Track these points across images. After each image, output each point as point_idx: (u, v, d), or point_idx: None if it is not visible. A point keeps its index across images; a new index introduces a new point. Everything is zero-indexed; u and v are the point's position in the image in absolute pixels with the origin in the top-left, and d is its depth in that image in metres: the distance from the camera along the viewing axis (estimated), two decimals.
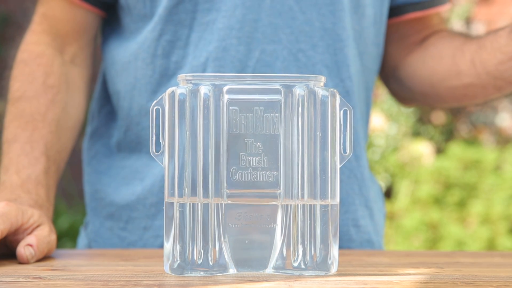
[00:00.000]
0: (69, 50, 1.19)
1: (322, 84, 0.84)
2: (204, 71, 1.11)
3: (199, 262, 0.83)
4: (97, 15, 1.20)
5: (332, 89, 0.84)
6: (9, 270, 0.88)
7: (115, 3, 1.19)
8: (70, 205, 3.89)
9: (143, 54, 1.15)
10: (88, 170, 1.23)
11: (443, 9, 1.27)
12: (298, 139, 0.83)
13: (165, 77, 1.14)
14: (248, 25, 1.12)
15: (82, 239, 1.24)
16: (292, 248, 0.83)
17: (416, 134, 4.76)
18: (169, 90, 0.83)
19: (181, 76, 0.84)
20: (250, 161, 0.83)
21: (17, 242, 0.94)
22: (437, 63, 1.22)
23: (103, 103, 1.24)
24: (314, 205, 0.83)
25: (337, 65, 1.15)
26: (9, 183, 1.05)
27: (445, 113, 4.93)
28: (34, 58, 1.17)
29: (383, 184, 4.26)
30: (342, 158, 0.85)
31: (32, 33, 1.20)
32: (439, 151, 4.60)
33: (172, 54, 1.14)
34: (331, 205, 0.84)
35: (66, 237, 3.53)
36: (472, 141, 4.59)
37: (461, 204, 3.97)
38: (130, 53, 1.17)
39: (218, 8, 1.12)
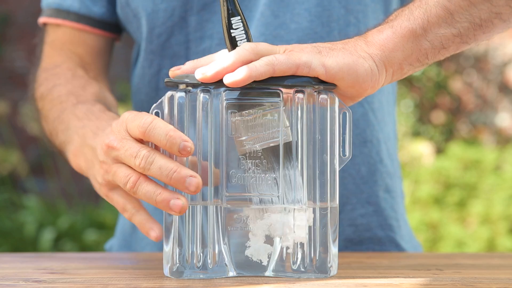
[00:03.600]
0: (91, 68, 1.18)
1: (321, 87, 0.84)
2: None
3: (199, 265, 0.83)
4: (102, 36, 1.19)
5: (331, 93, 0.84)
6: (9, 274, 0.88)
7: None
8: (70, 205, 3.89)
9: (145, 89, 1.16)
10: None
11: None
12: (297, 142, 0.83)
13: None
14: (217, 38, 1.12)
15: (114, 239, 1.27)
16: (291, 251, 0.83)
17: (416, 134, 4.75)
18: (169, 93, 0.83)
19: (180, 77, 0.84)
20: (249, 164, 0.83)
21: None
22: None
23: None
24: (313, 208, 0.83)
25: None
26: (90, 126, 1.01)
27: (445, 113, 4.93)
28: (58, 65, 1.15)
29: None
30: (341, 161, 0.85)
31: (46, 59, 1.18)
32: (439, 151, 4.60)
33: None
34: (330, 207, 0.84)
35: (66, 237, 3.53)
36: (472, 141, 4.59)
37: (461, 204, 3.97)
38: (133, 84, 1.18)
39: (210, 36, 1.12)
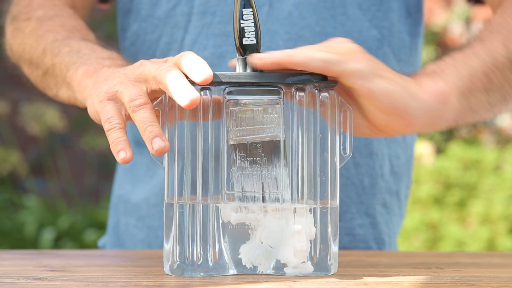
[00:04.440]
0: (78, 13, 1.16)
1: (322, 84, 0.84)
2: None
3: (199, 263, 0.83)
4: None
5: (332, 90, 0.84)
6: (9, 271, 0.88)
7: None
8: (70, 205, 3.89)
9: (142, 55, 1.15)
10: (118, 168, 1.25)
11: None
12: (297, 140, 0.83)
13: None
14: None
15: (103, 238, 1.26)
16: (292, 249, 0.83)
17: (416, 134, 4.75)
18: None
19: None
20: (250, 162, 0.83)
21: None
22: None
23: None
24: (314, 206, 0.83)
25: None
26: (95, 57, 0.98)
27: None
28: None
29: None
30: (342, 159, 0.85)
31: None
32: (439, 151, 4.60)
33: (168, 56, 1.14)
34: (330, 206, 0.84)
35: (66, 237, 3.53)
36: (472, 141, 4.58)
37: (461, 204, 3.97)
38: (128, 55, 1.17)
39: (213, 12, 1.12)
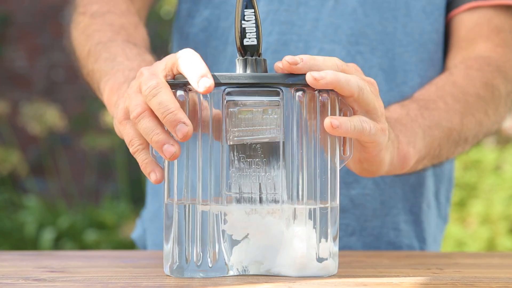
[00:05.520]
0: (136, 3, 1.17)
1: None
2: None
3: (199, 263, 0.83)
4: None
5: (331, 90, 0.84)
6: (9, 272, 0.88)
7: None
8: (70, 205, 3.89)
9: (215, 42, 1.17)
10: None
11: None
12: (297, 141, 0.83)
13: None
14: (309, 23, 1.14)
15: (137, 229, 1.27)
16: (291, 250, 0.83)
17: None
18: None
19: (179, 76, 0.84)
20: (249, 163, 0.82)
21: None
22: None
23: None
24: (313, 207, 0.83)
25: (394, 70, 1.16)
26: (123, 66, 1.00)
27: None
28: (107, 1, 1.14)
29: None
30: (342, 160, 0.85)
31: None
32: None
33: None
34: (330, 207, 0.83)
35: (66, 237, 3.53)
36: None
37: (461, 204, 3.96)
38: (196, 42, 1.18)
39: (281, 1, 1.14)
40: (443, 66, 1.20)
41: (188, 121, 0.79)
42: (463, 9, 1.18)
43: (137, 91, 0.83)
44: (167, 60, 0.84)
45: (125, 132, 0.85)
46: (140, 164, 0.84)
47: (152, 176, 0.83)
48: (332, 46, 1.13)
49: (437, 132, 1.02)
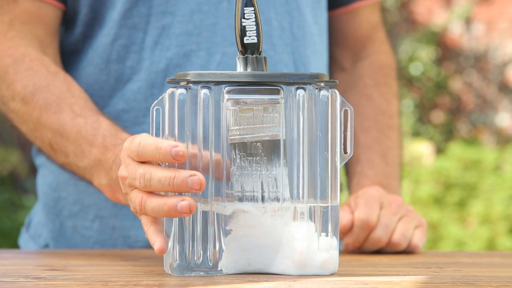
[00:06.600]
0: (49, 52, 1.13)
1: (322, 84, 0.84)
2: (165, 77, 1.11)
3: (199, 262, 0.83)
4: (59, 9, 1.15)
5: (332, 89, 0.84)
6: (9, 270, 0.88)
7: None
8: None
9: (96, 59, 1.14)
10: (45, 171, 1.20)
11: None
12: (298, 139, 0.83)
13: (120, 82, 1.13)
14: (206, 30, 1.12)
15: (26, 240, 1.22)
16: (292, 248, 0.83)
17: (416, 134, 4.75)
18: (169, 90, 0.83)
19: (180, 74, 0.84)
20: (250, 161, 0.82)
21: None
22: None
23: None
24: (314, 205, 0.83)
25: (295, 64, 1.16)
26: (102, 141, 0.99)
27: (445, 113, 4.93)
28: (22, 58, 1.09)
29: None
30: (342, 159, 0.85)
31: (4, 41, 1.11)
32: (439, 151, 4.60)
33: (126, 59, 1.13)
34: (331, 205, 0.83)
35: None
36: (472, 141, 4.59)
37: (461, 204, 3.97)
38: (83, 59, 1.16)
39: (173, 12, 1.12)
40: (327, 55, 1.25)
41: (192, 172, 0.80)
42: (346, 10, 1.26)
43: (128, 187, 0.84)
44: (127, 150, 0.84)
45: (143, 224, 0.86)
46: (147, 237, 0.85)
47: (154, 247, 0.83)
48: (234, 49, 1.11)
49: (393, 157, 1.22)
